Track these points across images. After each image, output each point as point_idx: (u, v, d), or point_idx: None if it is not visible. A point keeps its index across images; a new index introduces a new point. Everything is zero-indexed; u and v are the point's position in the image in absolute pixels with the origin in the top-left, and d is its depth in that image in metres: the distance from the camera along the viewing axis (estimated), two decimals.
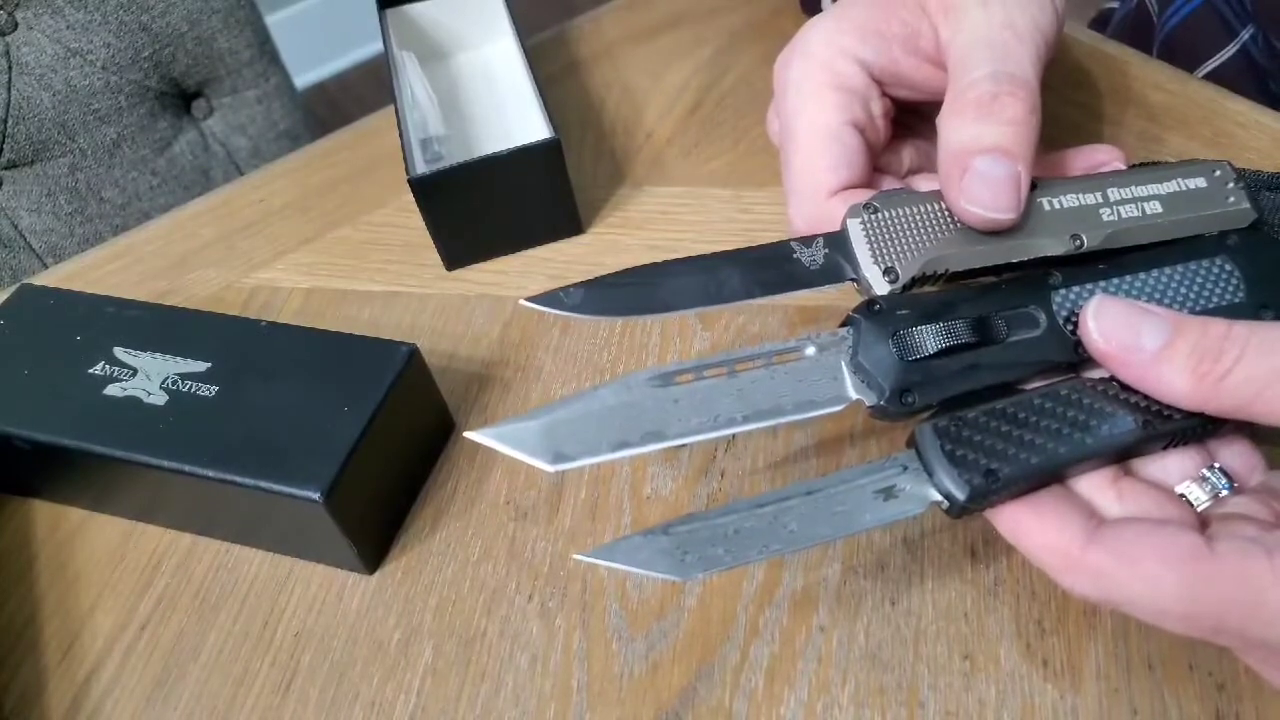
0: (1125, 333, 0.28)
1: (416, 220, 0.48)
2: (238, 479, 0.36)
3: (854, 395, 0.31)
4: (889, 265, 0.33)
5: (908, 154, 0.40)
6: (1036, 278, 0.32)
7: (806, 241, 0.33)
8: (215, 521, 0.40)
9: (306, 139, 0.91)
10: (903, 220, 0.33)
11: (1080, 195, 0.34)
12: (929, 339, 0.30)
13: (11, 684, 0.37)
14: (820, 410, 0.30)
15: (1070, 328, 0.31)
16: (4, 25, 0.76)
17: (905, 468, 0.29)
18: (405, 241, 0.51)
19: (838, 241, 0.33)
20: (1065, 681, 0.32)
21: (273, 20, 0.93)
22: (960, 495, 0.28)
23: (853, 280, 0.33)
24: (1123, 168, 0.36)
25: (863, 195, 0.34)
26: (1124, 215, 0.34)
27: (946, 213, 0.33)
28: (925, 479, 0.29)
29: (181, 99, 0.87)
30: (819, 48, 0.37)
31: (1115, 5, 0.71)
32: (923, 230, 0.33)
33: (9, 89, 0.77)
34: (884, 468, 0.30)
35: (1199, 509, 0.29)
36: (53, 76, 0.78)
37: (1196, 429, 0.29)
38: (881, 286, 0.32)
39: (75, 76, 0.79)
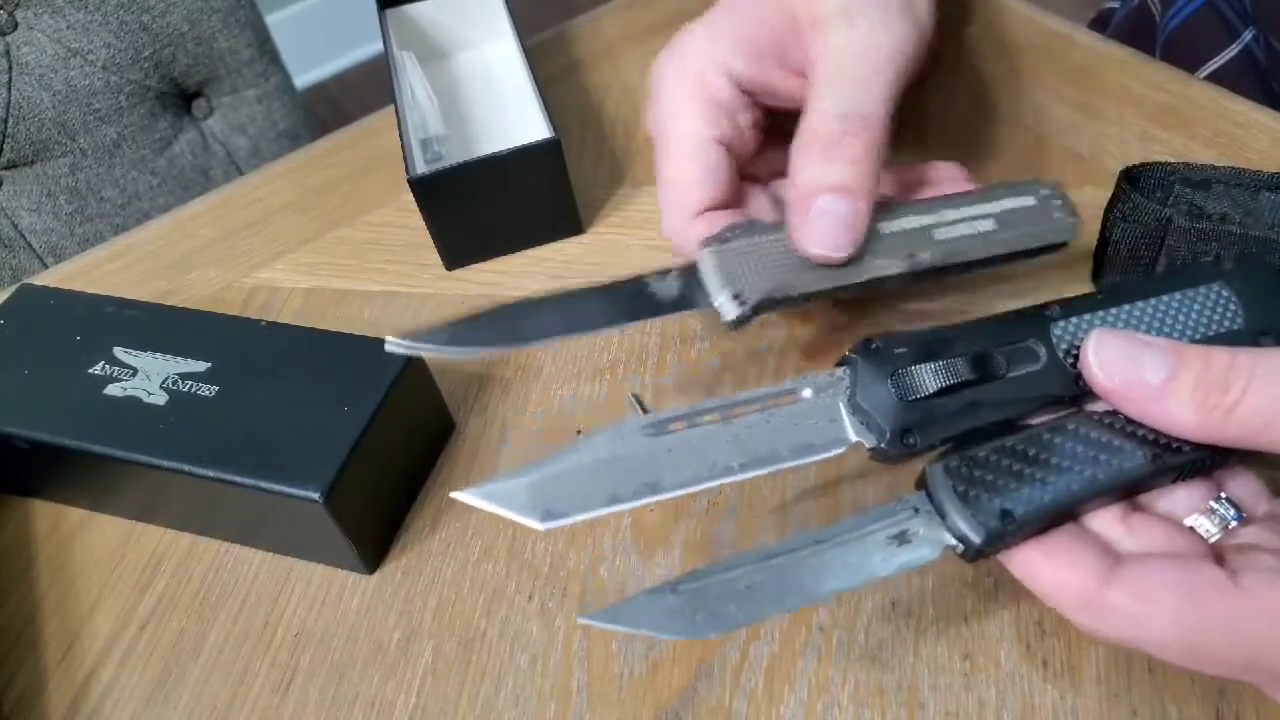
0: (1127, 367, 0.28)
1: (416, 220, 0.48)
2: (237, 479, 0.36)
3: (853, 438, 0.30)
4: (737, 291, 0.35)
5: (774, 158, 0.40)
6: (1034, 311, 0.32)
7: (662, 274, 0.35)
8: (215, 521, 0.40)
9: (306, 139, 0.91)
10: (750, 250, 0.35)
11: (916, 218, 0.37)
12: (928, 378, 0.30)
13: (11, 684, 0.37)
14: (819, 455, 0.30)
15: (1070, 360, 0.31)
16: (4, 25, 0.76)
17: (917, 510, 0.29)
18: (405, 241, 0.51)
19: (690, 272, 0.36)
20: (1065, 682, 0.32)
21: (273, 20, 0.93)
22: (976, 539, 0.27)
23: (707, 307, 0.35)
24: (963, 182, 0.37)
25: (723, 219, 0.35)
26: (958, 233, 0.37)
27: (789, 242, 0.35)
28: (938, 522, 0.28)
29: (181, 99, 0.87)
30: (693, 57, 0.38)
31: (1115, 5, 0.71)
32: (768, 259, 0.35)
33: (9, 89, 0.77)
34: (895, 512, 0.29)
35: (1210, 541, 0.29)
36: (53, 76, 0.78)
37: (1206, 461, 0.29)
38: (730, 311, 0.35)
39: (75, 76, 0.79)
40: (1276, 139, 0.47)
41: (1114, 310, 0.31)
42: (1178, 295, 0.32)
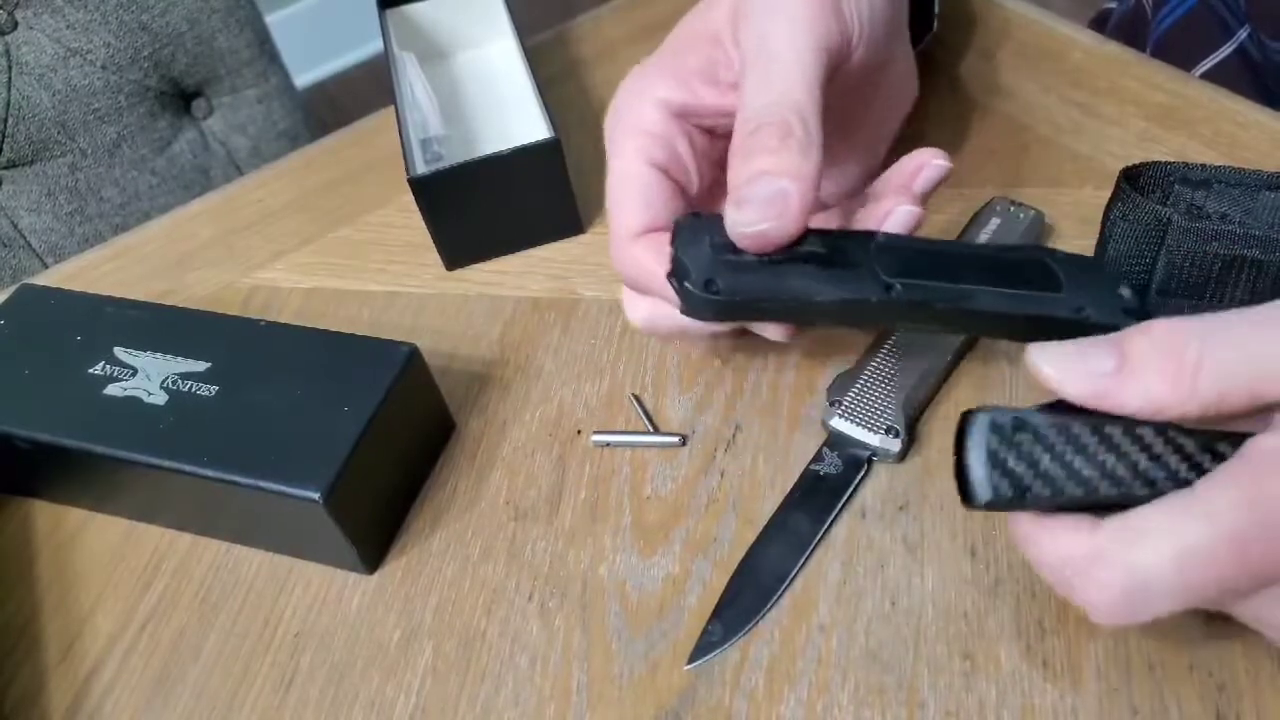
0: (1076, 364, 0.28)
1: (416, 220, 0.48)
2: (237, 479, 0.36)
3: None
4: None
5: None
6: (862, 234, 0.34)
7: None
8: (215, 521, 0.40)
9: (306, 139, 0.91)
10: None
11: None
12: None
13: (12, 684, 0.37)
14: None
15: (887, 275, 0.32)
16: (4, 25, 0.76)
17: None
18: (405, 241, 0.51)
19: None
20: (1065, 682, 0.32)
21: (273, 20, 0.93)
22: (984, 496, 0.28)
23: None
24: (945, 164, 0.37)
25: (663, 240, 0.35)
26: None
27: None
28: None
29: (181, 98, 0.87)
30: (622, 97, 0.39)
31: (1114, 4, 0.71)
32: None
33: (9, 88, 0.77)
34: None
35: None
36: (52, 76, 0.78)
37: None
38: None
39: (75, 76, 0.79)
40: (1276, 139, 0.47)
41: (941, 244, 0.34)
42: (995, 249, 0.35)
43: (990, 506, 0.28)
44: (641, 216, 0.36)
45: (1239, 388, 0.26)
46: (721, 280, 0.32)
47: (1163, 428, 0.28)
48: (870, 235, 0.34)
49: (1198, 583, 0.26)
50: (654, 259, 0.35)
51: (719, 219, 0.33)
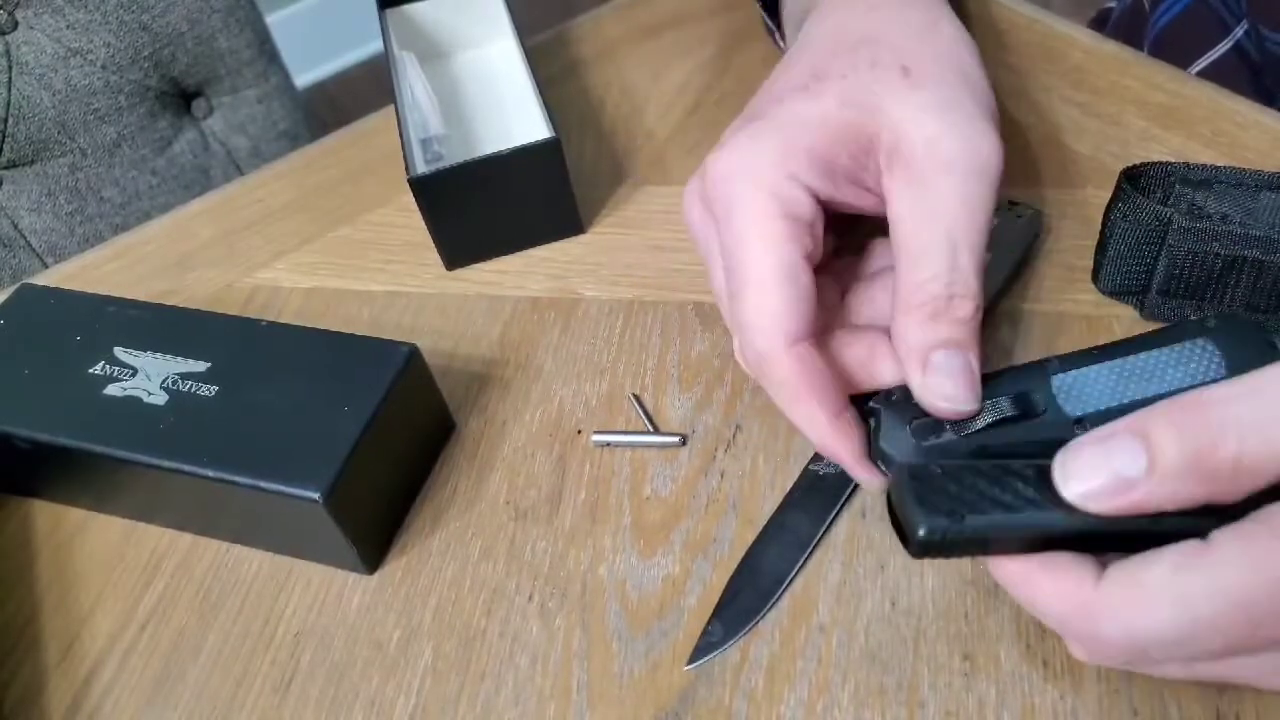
0: (1101, 476, 0.26)
1: (416, 220, 0.48)
2: (237, 479, 0.36)
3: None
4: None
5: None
6: (1036, 365, 0.34)
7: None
8: (215, 521, 0.40)
9: (306, 139, 0.91)
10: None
11: None
12: (945, 424, 0.33)
13: (12, 684, 0.37)
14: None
15: (1069, 411, 0.32)
16: (4, 25, 0.76)
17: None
18: (405, 241, 0.51)
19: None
20: (1065, 682, 0.32)
21: (273, 20, 0.93)
22: (921, 532, 0.28)
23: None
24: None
25: (811, 355, 0.33)
26: None
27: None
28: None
29: (181, 98, 0.87)
30: (765, 169, 0.34)
31: (1113, 4, 0.71)
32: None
33: (9, 88, 0.77)
34: None
35: None
36: (53, 76, 0.78)
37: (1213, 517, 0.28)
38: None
39: (75, 76, 0.79)
40: (1276, 138, 0.47)
41: (1108, 364, 0.33)
42: (1165, 350, 0.34)
43: (929, 541, 0.28)
44: (798, 321, 0.33)
45: (1269, 472, 0.25)
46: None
47: None
48: (1042, 367, 0.33)
49: (1202, 649, 0.25)
50: (805, 385, 0.33)
51: (910, 399, 0.33)
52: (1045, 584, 0.27)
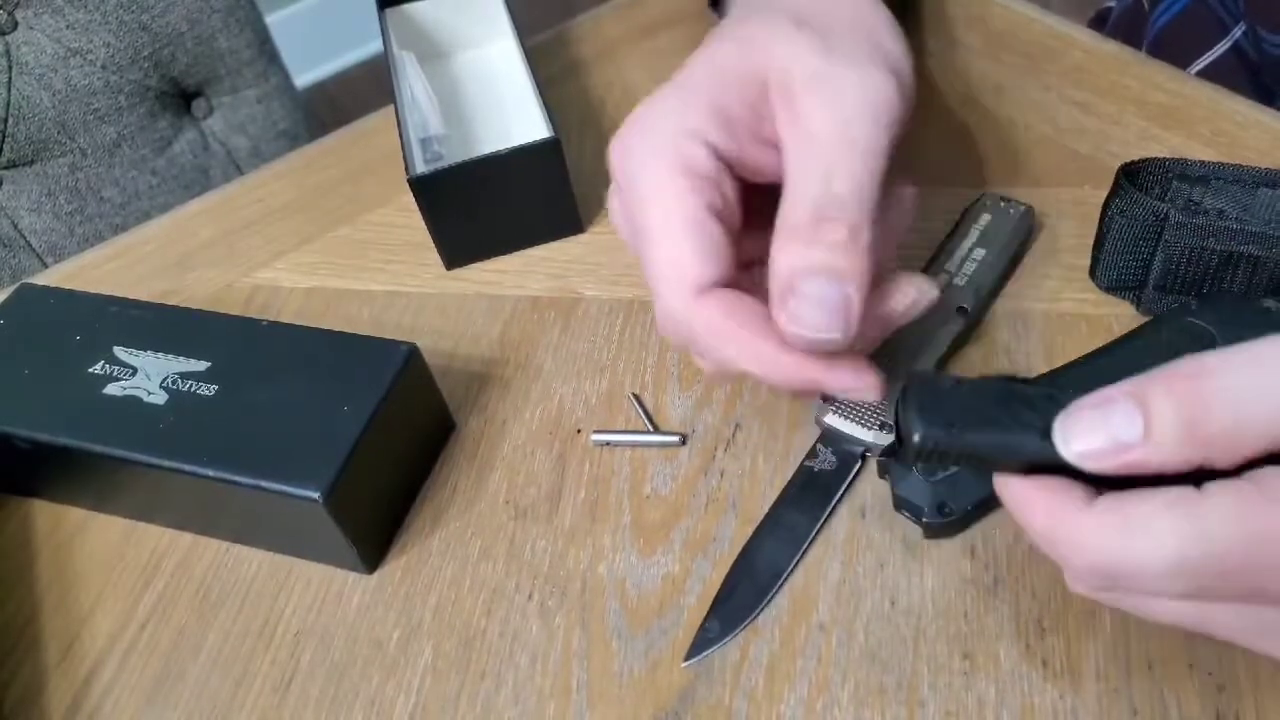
0: (1100, 438, 0.26)
1: (416, 220, 0.48)
2: (237, 478, 0.36)
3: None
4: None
5: (749, 244, 0.35)
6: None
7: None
8: (215, 521, 0.40)
9: (306, 139, 0.91)
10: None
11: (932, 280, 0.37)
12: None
13: (12, 683, 0.37)
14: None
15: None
16: (4, 25, 0.76)
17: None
18: (405, 241, 0.51)
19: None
20: (1065, 681, 0.32)
21: (273, 20, 0.93)
22: (916, 437, 0.28)
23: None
24: (935, 294, 0.35)
25: (730, 297, 0.32)
26: (970, 270, 0.42)
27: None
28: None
29: (181, 98, 0.87)
30: (664, 129, 0.34)
31: (1113, 4, 0.71)
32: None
33: (9, 88, 0.77)
34: None
35: None
36: (53, 76, 0.78)
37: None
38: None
39: (75, 76, 0.79)
40: (1276, 138, 0.47)
41: (1103, 359, 0.34)
42: (1159, 333, 0.35)
43: (923, 448, 0.28)
44: (709, 269, 0.32)
45: (1266, 440, 0.25)
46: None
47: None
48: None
49: (1174, 588, 0.26)
50: (734, 324, 0.32)
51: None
52: (1038, 501, 0.27)
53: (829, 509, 0.37)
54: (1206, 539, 0.25)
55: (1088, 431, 0.27)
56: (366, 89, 1.97)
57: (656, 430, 0.41)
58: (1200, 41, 0.58)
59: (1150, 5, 0.62)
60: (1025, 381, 0.35)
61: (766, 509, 0.38)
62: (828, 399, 0.39)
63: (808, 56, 0.33)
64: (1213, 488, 0.25)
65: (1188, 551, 0.25)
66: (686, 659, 0.34)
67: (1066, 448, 0.27)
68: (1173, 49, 0.58)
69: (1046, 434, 0.27)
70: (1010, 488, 0.28)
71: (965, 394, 0.29)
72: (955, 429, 0.28)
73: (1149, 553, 0.25)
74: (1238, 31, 0.57)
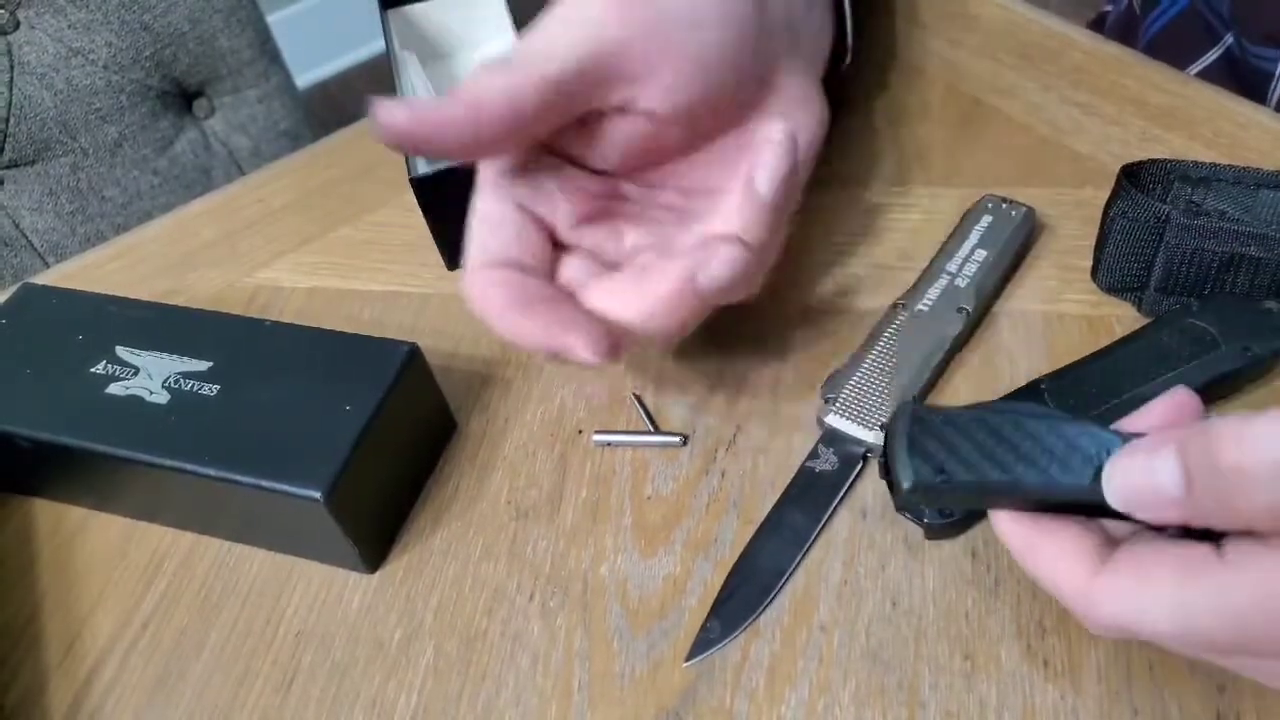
0: (1145, 489, 0.26)
1: (418, 220, 0.48)
2: (239, 478, 0.36)
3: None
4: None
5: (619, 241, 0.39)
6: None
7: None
8: (216, 521, 0.40)
9: (307, 139, 0.91)
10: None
11: (936, 283, 0.42)
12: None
13: (12, 683, 0.37)
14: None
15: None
16: (6, 24, 0.76)
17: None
18: (406, 241, 0.51)
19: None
20: (1066, 682, 0.32)
21: (274, 20, 0.93)
22: (905, 484, 0.28)
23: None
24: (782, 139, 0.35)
25: (499, 274, 0.36)
26: (972, 271, 0.42)
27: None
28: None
29: (183, 98, 0.87)
30: None
31: (1109, 8, 0.71)
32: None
33: (11, 88, 0.77)
34: None
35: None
36: (54, 76, 0.78)
37: None
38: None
39: (77, 76, 0.79)
40: (1276, 138, 0.47)
41: (1105, 359, 0.35)
42: (1160, 335, 0.36)
43: (913, 493, 0.28)
44: (489, 251, 0.37)
45: None
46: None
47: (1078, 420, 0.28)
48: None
49: (1192, 649, 0.26)
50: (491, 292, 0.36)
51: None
52: (1047, 556, 0.27)
53: (830, 509, 0.37)
54: (1223, 613, 0.25)
55: (1133, 476, 0.26)
56: (367, 89, 1.97)
57: (658, 431, 0.41)
58: (1192, 49, 0.58)
59: (1143, 11, 0.62)
60: (1026, 390, 0.35)
61: (768, 509, 0.38)
62: (829, 398, 0.39)
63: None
64: (1234, 554, 0.25)
65: (1201, 624, 0.25)
66: (688, 659, 0.35)
67: (1114, 496, 0.27)
68: (1165, 55, 0.58)
69: (1046, 469, 0.27)
70: (1014, 536, 0.28)
71: (956, 431, 0.28)
72: (946, 475, 0.28)
73: (1164, 622, 0.25)
74: (1228, 39, 0.57)
